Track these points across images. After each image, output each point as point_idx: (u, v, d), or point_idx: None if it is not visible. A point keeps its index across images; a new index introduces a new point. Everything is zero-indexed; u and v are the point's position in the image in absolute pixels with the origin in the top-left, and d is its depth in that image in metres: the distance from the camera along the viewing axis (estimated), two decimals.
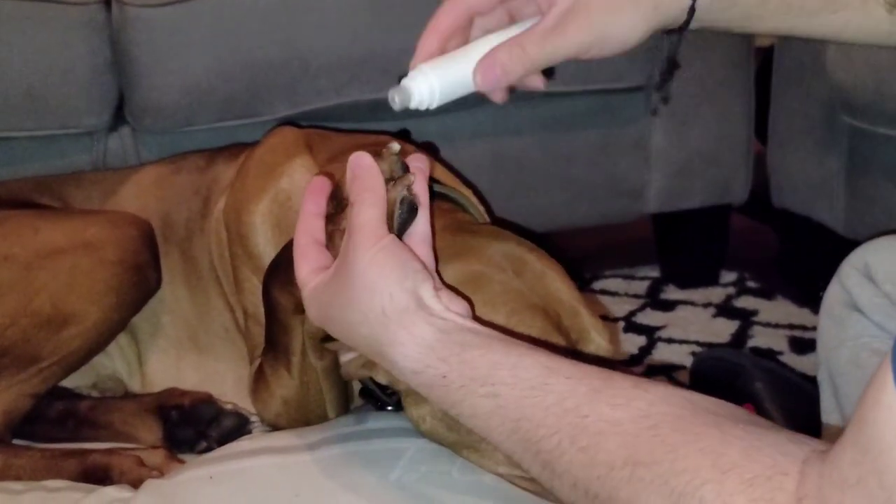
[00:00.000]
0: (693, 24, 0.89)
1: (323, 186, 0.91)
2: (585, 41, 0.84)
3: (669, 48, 1.01)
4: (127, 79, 1.53)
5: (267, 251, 1.15)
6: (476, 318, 0.82)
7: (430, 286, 0.79)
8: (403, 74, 0.85)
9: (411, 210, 0.85)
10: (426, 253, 0.86)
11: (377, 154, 0.85)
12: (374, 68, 1.58)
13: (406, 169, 0.86)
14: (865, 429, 0.54)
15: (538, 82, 0.90)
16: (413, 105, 0.84)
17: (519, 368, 0.72)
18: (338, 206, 0.89)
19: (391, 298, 0.77)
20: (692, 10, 0.87)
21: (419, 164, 0.88)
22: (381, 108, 1.61)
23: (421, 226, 0.87)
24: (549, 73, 0.92)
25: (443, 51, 0.88)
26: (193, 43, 1.51)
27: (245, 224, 1.19)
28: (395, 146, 0.86)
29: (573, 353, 0.92)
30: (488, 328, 0.78)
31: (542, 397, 0.69)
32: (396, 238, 0.81)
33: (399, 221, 0.84)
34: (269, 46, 1.54)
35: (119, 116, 1.58)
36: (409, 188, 0.84)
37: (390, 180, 0.84)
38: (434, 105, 0.85)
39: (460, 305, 0.81)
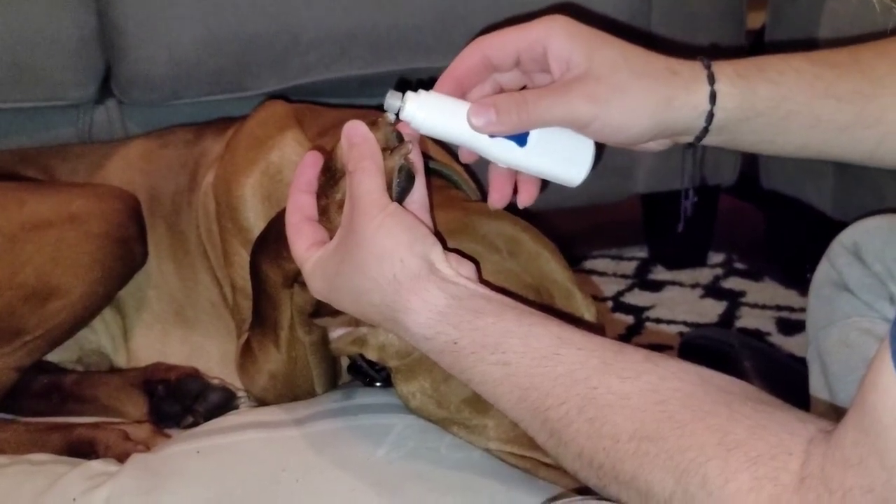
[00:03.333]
0: (712, 137, 0.83)
1: (313, 162, 0.90)
2: (585, 111, 0.81)
3: (692, 165, 0.96)
4: (114, 51, 1.51)
5: (257, 224, 1.14)
6: (483, 282, 0.81)
7: (440, 250, 0.79)
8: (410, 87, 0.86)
9: (409, 179, 0.84)
10: (427, 220, 0.85)
11: (371, 123, 0.84)
12: (364, 44, 1.56)
13: (401, 138, 0.85)
14: (866, 410, 0.54)
15: (528, 191, 0.90)
16: (402, 116, 0.85)
17: (530, 337, 0.72)
18: (331, 178, 0.88)
19: (402, 264, 0.77)
20: (710, 118, 0.82)
21: (410, 130, 0.87)
22: (370, 84, 1.62)
23: (419, 193, 0.86)
24: (543, 186, 0.91)
25: (458, 96, 0.87)
26: (182, 15, 1.50)
27: (235, 197, 1.18)
28: (390, 115, 0.85)
29: (584, 324, 0.92)
30: (500, 294, 0.78)
31: (552, 367, 0.69)
32: (400, 205, 0.81)
33: (398, 190, 0.83)
34: (258, 19, 1.52)
35: (105, 89, 1.56)
36: (406, 157, 0.83)
37: (386, 150, 0.83)
38: (421, 128, 0.85)
39: (469, 269, 0.81)
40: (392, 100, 0.84)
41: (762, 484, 0.57)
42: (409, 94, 0.85)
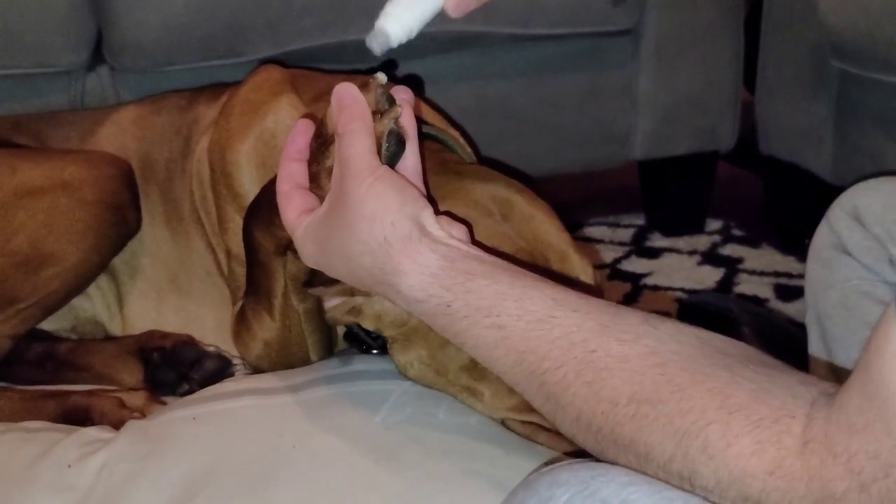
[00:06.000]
0: None
1: (304, 129, 0.89)
2: None
3: None
4: (105, 16, 1.49)
5: (252, 190, 1.13)
6: (476, 244, 0.80)
7: (431, 212, 0.78)
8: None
9: (399, 143, 0.83)
10: (420, 186, 0.85)
11: (362, 86, 0.83)
12: (358, 8, 1.54)
13: (392, 101, 0.84)
14: (871, 376, 0.54)
15: None
16: (394, 44, 0.83)
17: (525, 300, 0.71)
18: (322, 144, 0.87)
19: (393, 226, 0.76)
20: None
21: (404, 95, 0.86)
22: (365, 49, 1.59)
23: (411, 159, 0.85)
24: None
25: None
26: None
27: (230, 163, 1.17)
28: (382, 77, 0.84)
29: (580, 286, 0.91)
30: (493, 256, 0.77)
31: (548, 330, 0.68)
32: (390, 168, 0.80)
33: (387, 155, 0.82)
34: None
35: (97, 55, 1.55)
36: (396, 121, 0.82)
37: (377, 113, 0.82)
38: (413, 35, 0.83)
39: (461, 231, 0.80)
40: (375, 42, 0.82)
41: (765, 448, 0.57)
42: (381, 26, 0.82)
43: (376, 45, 0.83)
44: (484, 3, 0.83)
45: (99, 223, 1.20)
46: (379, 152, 0.81)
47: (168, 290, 1.29)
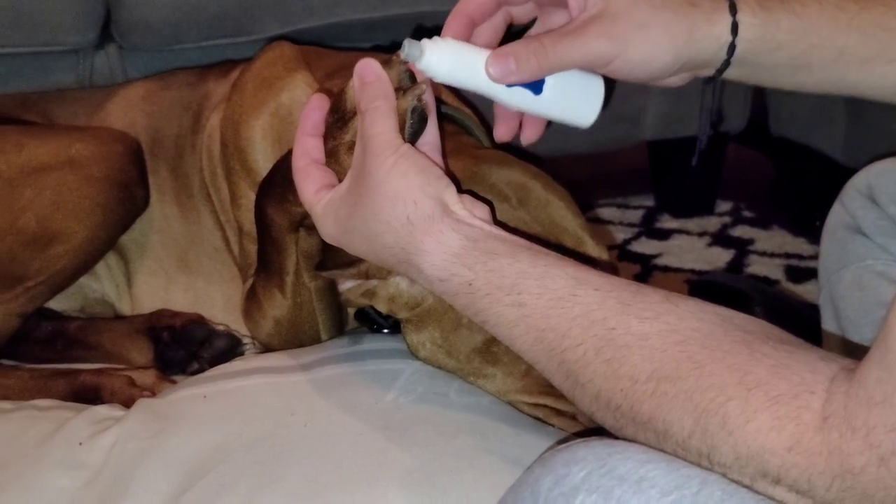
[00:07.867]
0: (732, 70, 0.83)
1: (319, 104, 0.88)
2: (605, 51, 0.80)
3: (710, 99, 0.96)
4: None
5: (265, 166, 1.12)
6: (497, 223, 0.80)
7: (454, 191, 0.78)
8: (426, 34, 0.84)
9: (422, 120, 0.83)
10: (439, 161, 0.84)
11: (384, 62, 0.82)
12: None
13: (414, 79, 0.83)
14: (889, 347, 0.54)
15: (534, 128, 0.89)
16: (419, 65, 0.83)
17: (546, 278, 0.71)
18: (339, 119, 0.86)
19: (416, 206, 0.75)
20: (732, 49, 0.80)
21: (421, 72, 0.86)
22: (375, 28, 1.59)
23: (431, 134, 0.85)
24: (548, 124, 0.91)
25: (468, 35, 0.86)
26: None
27: (244, 138, 1.16)
28: (404, 55, 0.83)
29: (599, 264, 0.91)
30: (515, 236, 0.77)
31: (568, 308, 0.68)
32: (412, 146, 0.79)
33: (411, 132, 0.82)
34: None
35: (106, 34, 1.54)
36: (419, 98, 0.82)
37: (399, 90, 0.81)
38: (438, 76, 0.83)
39: (483, 211, 0.80)
40: (411, 48, 0.82)
41: (783, 423, 0.56)
42: (426, 42, 0.82)
43: (405, 53, 0.82)
44: (523, 76, 0.83)
45: (107, 200, 1.19)
46: (402, 130, 0.81)
47: (177, 268, 1.29)
